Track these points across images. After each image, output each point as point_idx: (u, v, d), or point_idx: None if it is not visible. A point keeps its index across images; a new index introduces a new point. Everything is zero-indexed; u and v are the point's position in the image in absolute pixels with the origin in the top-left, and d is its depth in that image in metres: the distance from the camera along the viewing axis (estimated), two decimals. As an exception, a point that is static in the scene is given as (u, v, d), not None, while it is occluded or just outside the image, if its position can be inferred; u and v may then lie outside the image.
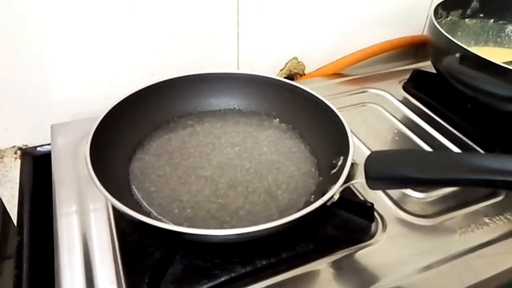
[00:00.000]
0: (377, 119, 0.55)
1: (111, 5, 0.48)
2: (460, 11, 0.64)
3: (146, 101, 0.45)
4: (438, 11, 0.59)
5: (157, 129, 0.47)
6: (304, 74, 0.66)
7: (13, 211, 0.53)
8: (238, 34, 0.57)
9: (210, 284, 0.34)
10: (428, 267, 0.36)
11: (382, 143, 0.51)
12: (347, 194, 0.39)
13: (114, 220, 0.39)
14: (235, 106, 0.51)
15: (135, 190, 0.40)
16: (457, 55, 0.48)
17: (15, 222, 0.45)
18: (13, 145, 0.53)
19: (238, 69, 0.60)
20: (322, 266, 0.36)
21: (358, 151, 0.41)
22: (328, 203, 0.34)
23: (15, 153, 0.53)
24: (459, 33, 0.65)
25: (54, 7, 0.46)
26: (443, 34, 0.51)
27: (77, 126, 0.50)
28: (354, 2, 0.62)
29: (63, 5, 0.46)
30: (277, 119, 0.50)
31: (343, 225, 0.38)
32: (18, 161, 0.52)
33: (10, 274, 0.38)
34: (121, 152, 0.43)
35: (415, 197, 0.43)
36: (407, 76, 0.62)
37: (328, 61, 0.65)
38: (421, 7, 0.68)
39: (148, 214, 0.37)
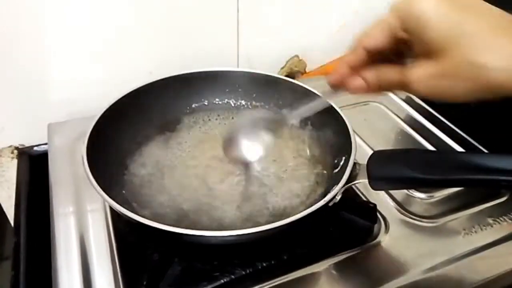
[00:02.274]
0: (380, 118, 0.55)
1: (108, 3, 0.47)
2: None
3: (144, 100, 0.45)
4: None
5: (155, 128, 0.46)
6: (305, 72, 0.65)
7: (10, 211, 0.53)
8: (238, 32, 0.56)
9: (209, 286, 0.33)
10: (431, 269, 0.36)
11: (385, 143, 0.51)
12: (350, 195, 0.39)
13: (111, 221, 0.39)
14: (235, 104, 0.50)
15: (133, 190, 0.39)
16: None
17: (12, 222, 0.45)
18: (9, 144, 0.52)
19: (238, 67, 0.60)
20: (324, 267, 0.36)
21: (361, 151, 0.40)
22: (330, 204, 0.33)
23: (12, 152, 0.52)
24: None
25: (51, 6, 0.45)
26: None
27: (74, 125, 0.49)
28: (356, -2, 0.61)
29: (60, 3, 0.45)
30: (278, 118, 0.49)
31: (345, 226, 0.38)
32: (15, 161, 0.52)
33: (7, 275, 0.38)
34: (119, 151, 0.42)
35: (418, 198, 0.43)
36: (410, 74, 0.62)
37: (329, 59, 0.64)
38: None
39: (146, 215, 0.37)
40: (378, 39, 0.27)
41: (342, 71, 0.30)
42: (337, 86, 0.30)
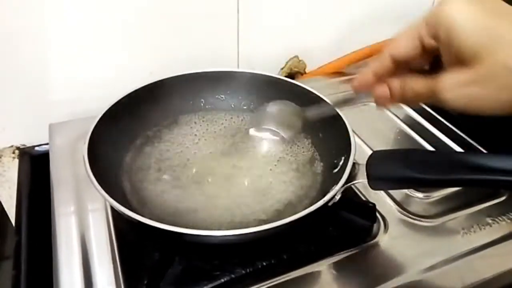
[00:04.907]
0: (379, 118, 0.55)
1: (109, 3, 0.48)
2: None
3: (145, 100, 0.45)
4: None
5: (156, 128, 0.47)
6: (305, 73, 0.65)
7: (11, 211, 0.53)
8: (238, 32, 0.56)
9: (210, 286, 0.33)
10: (430, 268, 0.36)
11: (384, 143, 0.51)
12: (349, 195, 0.39)
13: (112, 220, 0.39)
14: (235, 105, 0.50)
15: (134, 190, 0.40)
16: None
17: (13, 222, 0.45)
18: (11, 144, 0.52)
19: (238, 67, 0.60)
20: (323, 267, 0.36)
21: (360, 151, 0.40)
22: (330, 204, 0.33)
23: (13, 152, 0.52)
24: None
25: (52, 5, 0.45)
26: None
27: (75, 125, 0.49)
28: (356, -2, 0.61)
29: (61, 3, 0.46)
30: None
31: (344, 226, 0.38)
32: (16, 161, 0.52)
33: (8, 275, 0.38)
34: (120, 151, 0.42)
35: (417, 198, 0.43)
36: (409, 74, 0.62)
37: (329, 60, 0.65)
38: (427, 3, 0.67)
39: (147, 214, 0.37)
40: (406, 47, 0.26)
41: (367, 78, 0.29)
42: (360, 91, 0.30)
